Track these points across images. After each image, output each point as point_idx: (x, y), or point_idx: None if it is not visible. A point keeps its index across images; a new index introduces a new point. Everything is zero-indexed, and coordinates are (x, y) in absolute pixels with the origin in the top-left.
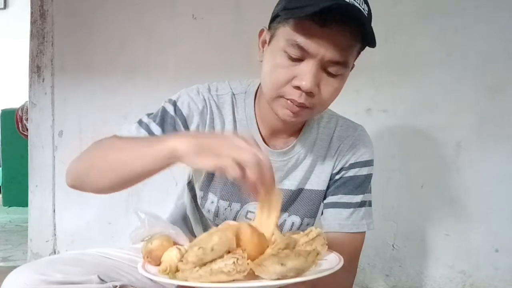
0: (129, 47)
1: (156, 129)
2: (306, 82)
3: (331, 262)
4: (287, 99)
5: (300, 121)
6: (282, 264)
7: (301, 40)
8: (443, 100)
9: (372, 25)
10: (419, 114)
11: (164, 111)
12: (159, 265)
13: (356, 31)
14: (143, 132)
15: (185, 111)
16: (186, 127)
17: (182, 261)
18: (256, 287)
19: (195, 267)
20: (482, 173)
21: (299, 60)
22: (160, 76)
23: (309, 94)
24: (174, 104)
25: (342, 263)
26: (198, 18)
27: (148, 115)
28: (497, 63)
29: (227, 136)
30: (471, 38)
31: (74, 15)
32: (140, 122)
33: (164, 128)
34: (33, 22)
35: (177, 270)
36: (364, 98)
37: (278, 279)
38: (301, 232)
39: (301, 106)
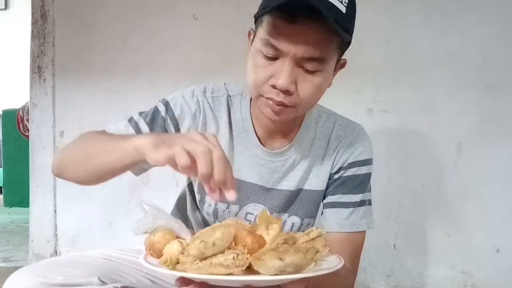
0: (130, 48)
1: (144, 128)
2: (281, 80)
3: (332, 263)
4: (267, 98)
5: (286, 119)
6: (280, 259)
7: (272, 39)
8: (444, 101)
9: (372, 25)
10: (420, 114)
11: (155, 110)
12: (160, 257)
13: (328, 26)
14: (131, 130)
15: (177, 112)
16: (177, 128)
17: (183, 253)
18: (253, 281)
19: (195, 260)
20: (483, 173)
21: (274, 59)
22: (161, 76)
23: (286, 92)
24: (167, 104)
25: (342, 263)
26: (199, 19)
27: (140, 113)
28: (498, 63)
29: (187, 133)
30: (472, 38)
31: (75, 16)
32: (130, 120)
33: (153, 127)
34: (34, 23)
35: (177, 262)
36: (365, 99)
37: (276, 274)
38: (302, 233)
39: (281, 104)
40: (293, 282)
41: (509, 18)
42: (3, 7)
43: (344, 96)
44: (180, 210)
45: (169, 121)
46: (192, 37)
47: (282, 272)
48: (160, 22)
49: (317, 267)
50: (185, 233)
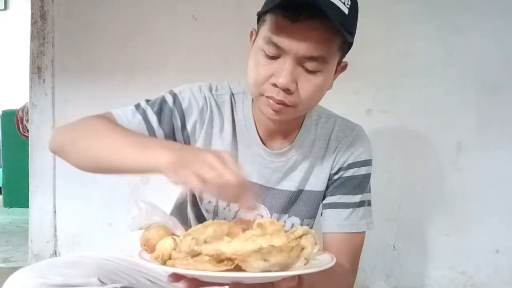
0: (129, 48)
1: (152, 116)
2: (282, 79)
3: (324, 261)
4: (267, 97)
5: (285, 119)
6: (265, 260)
7: (274, 37)
8: (444, 101)
9: (372, 25)
10: (419, 114)
11: (163, 100)
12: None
13: (330, 25)
14: (138, 118)
15: (184, 105)
16: (183, 120)
17: (176, 249)
18: (241, 278)
19: (186, 256)
20: (483, 174)
21: (276, 57)
22: (161, 76)
23: (287, 91)
24: (175, 96)
25: (334, 261)
26: (199, 19)
27: (147, 101)
28: (497, 64)
29: (206, 153)
30: (471, 39)
31: (75, 16)
32: (137, 106)
33: (161, 118)
34: (33, 23)
35: (169, 258)
36: (364, 99)
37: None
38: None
39: (281, 103)
40: (284, 279)
41: (508, 18)
42: (3, 7)
43: (344, 96)
44: (178, 210)
45: (176, 113)
46: (192, 37)
47: (269, 271)
48: (160, 22)
49: (308, 265)
50: (179, 229)
